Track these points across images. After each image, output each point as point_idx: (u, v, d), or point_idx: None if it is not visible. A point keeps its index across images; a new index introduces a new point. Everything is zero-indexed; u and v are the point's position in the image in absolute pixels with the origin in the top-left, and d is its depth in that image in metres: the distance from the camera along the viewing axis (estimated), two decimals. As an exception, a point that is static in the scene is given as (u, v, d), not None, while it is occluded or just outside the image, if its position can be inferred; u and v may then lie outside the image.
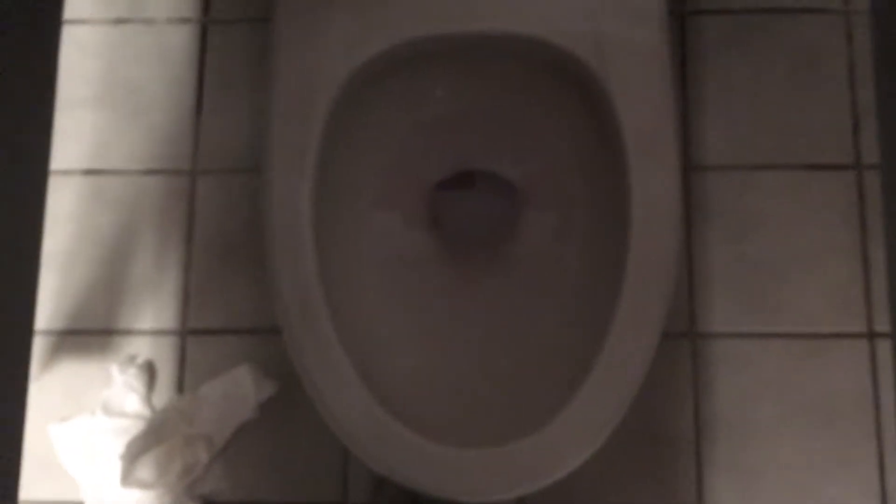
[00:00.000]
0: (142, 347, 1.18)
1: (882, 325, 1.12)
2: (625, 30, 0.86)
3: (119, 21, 1.26)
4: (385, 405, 0.79)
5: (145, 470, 1.10)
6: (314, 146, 0.85)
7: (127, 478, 1.08)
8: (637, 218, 0.83)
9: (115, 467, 1.09)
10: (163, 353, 1.17)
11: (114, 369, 1.15)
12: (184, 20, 1.26)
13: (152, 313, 1.18)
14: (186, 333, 1.18)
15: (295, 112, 0.85)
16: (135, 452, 1.08)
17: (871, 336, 1.12)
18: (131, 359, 1.16)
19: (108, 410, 1.13)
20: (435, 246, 0.96)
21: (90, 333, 1.18)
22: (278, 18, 0.87)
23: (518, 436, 0.76)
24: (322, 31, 0.85)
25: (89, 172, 1.23)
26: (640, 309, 0.80)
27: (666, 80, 0.87)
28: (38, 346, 1.17)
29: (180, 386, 1.16)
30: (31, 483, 1.12)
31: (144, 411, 1.14)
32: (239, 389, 1.13)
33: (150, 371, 1.16)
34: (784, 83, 1.19)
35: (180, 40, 1.26)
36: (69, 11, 1.25)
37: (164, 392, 1.16)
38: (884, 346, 1.12)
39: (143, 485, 1.09)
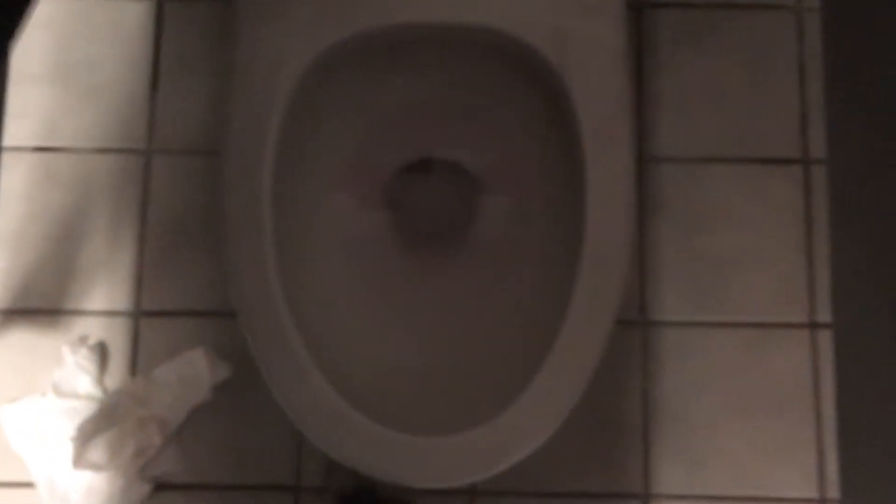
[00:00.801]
0: (94, 328, 1.17)
1: (824, 316, 1.16)
2: (583, 23, 0.87)
3: (73, -4, 1.24)
4: (340, 391, 0.80)
5: (97, 452, 1.09)
6: (274, 130, 0.85)
7: (79, 460, 1.08)
8: (592, 208, 0.84)
9: (67, 449, 1.09)
10: (116, 335, 1.16)
11: (65, 350, 1.14)
12: (140, -4, 1.24)
13: (105, 294, 1.17)
14: (140, 315, 1.17)
15: (255, 96, 0.85)
16: (87, 434, 1.08)
17: (814, 326, 1.16)
18: (83, 339, 1.15)
19: (59, 392, 1.12)
20: (393, 233, 0.97)
21: (41, 313, 1.17)
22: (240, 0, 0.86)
23: (472, 424, 0.77)
24: (284, 16, 0.85)
25: (40, 150, 1.21)
26: (595, 298, 0.81)
27: (622, 74, 0.89)
28: (-13, 325, 1.16)
29: (133, 368, 1.16)
30: (-21, 464, 1.11)
31: (96, 393, 1.13)
32: (193, 372, 1.12)
33: (102, 352, 1.16)
34: (737, 77, 1.21)
35: (136, 17, 1.24)
36: (22, -15, 1.23)
37: (116, 374, 1.16)
38: (825, 336, 1.15)
39: (95, 467, 1.09)
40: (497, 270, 0.94)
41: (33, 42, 1.22)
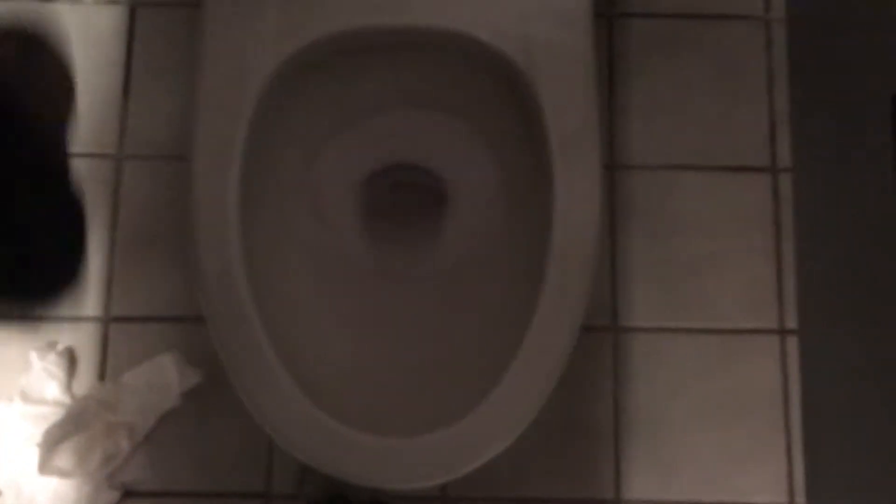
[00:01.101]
0: (63, 335, 1.16)
1: (792, 322, 1.17)
2: (552, 32, 0.87)
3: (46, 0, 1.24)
4: (309, 394, 0.79)
5: (64, 458, 1.08)
6: (241, 135, 0.84)
7: (45, 465, 1.07)
8: (559, 214, 0.84)
9: (33, 455, 1.07)
10: (84, 341, 1.15)
11: (33, 355, 1.12)
12: (112, 2, 1.24)
13: (74, 299, 1.16)
14: (109, 321, 1.16)
15: (222, 100, 0.85)
16: (54, 440, 1.07)
17: (782, 332, 1.17)
18: (51, 345, 1.14)
19: (26, 397, 1.11)
20: (361, 239, 0.97)
21: (7, 319, 1.16)
22: (208, 4, 0.86)
23: (439, 426, 0.77)
24: (252, 20, 0.85)
25: (10, 154, 1.20)
26: (560, 304, 0.82)
27: (591, 82, 0.89)
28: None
29: (102, 374, 1.15)
30: (-57, 471, 1.09)
31: (64, 399, 1.12)
32: (162, 378, 1.12)
33: (70, 358, 1.15)
34: (706, 87, 1.23)
35: (108, 22, 1.24)
36: (-7, -12, 1.22)
37: (84, 380, 1.15)
38: (793, 343, 1.16)
39: (62, 473, 1.07)
40: (465, 275, 0.94)
41: (3, 46, 1.21)
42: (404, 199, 0.98)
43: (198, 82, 0.84)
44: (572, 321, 0.81)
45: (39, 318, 1.16)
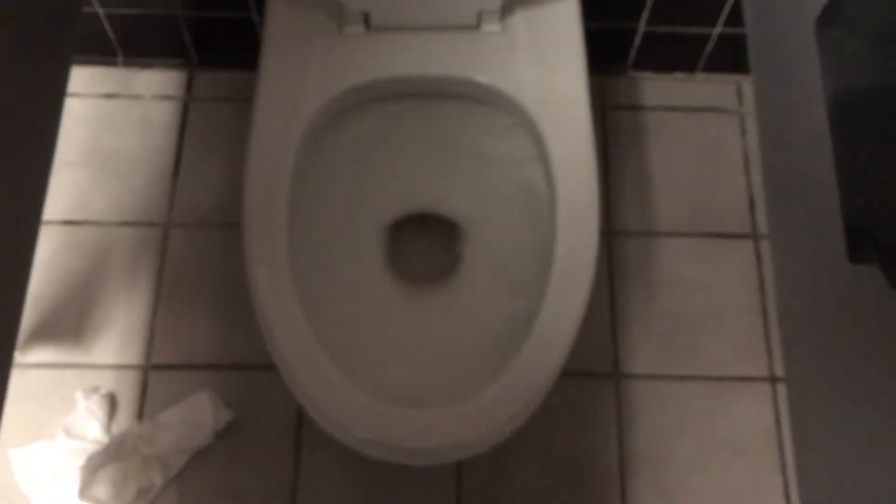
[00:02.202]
0: (106, 381, 1.25)
1: (782, 370, 1.26)
2: (554, 81, 1.02)
3: (109, 96, 1.41)
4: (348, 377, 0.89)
5: (102, 488, 1.14)
6: (289, 165, 0.97)
7: (84, 492, 1.13)
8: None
9: (72, 486, 1.14)
10: (125, 386, 1.24)
11: (78, 395, 1.21)
12: (168, 97, 1.42)
13: (118, 349, 1.26)
14: (149, 368, 1.26)
15: (274, 134, 0.98)
16: (95, 465, 1.13)
17: (773, 380, 1.26)
18: (95, 389, 1.23)
19: (69, 433, 1.19)
20: (388, 273, 1.08)
21: (56, 367, 1.25)
22: (265, 56, 1.02)
23: (455, 400, 0.87)
24: (300, 70, 1.01)
25: (68, 223, 1.34)
26: (566, 289, 0.92)
27: (590, 128, 1.02)
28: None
29: (140, 417, 1.23)
30: (-14, 502, 1.15)
31: (103, 438, 1.19)
32: (197, 415, 1.20)
33: (111, 402, 1.23)
34: (691, 166, 1.38)
35: (163, 114, 1.41)
36: (65, 86, 1.40)
37: (123, 423, 1.22)
38: (784, 389, 1.25)
39: (98, 502, 1.13)
40: (477, 303, 1.05)
41: (71, 133, 1.38)
42: (426, 244, 1.10)
43: (253, 119, 0.99)
44: (576, 312, 0.91)
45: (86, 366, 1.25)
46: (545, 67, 1.03)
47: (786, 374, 0.78)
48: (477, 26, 1.03)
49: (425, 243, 1.12)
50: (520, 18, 1.04)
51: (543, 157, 1.01)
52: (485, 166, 1.09)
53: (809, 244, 0.80)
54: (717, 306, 1.30)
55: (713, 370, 1.27)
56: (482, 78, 1.02)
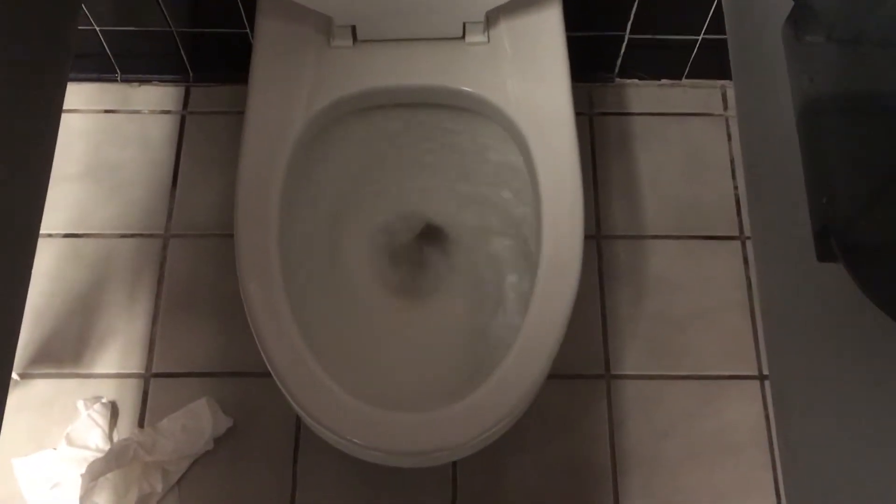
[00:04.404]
0: (107, 390, 1.27)
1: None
2: (538, 90, 1.05)
3: (108, 111, 1.45)
4: (338, 385, 0.91)
5: (103, 494, 1.17)
6: (280, 172, 1.00)
7: (85, 499, 1.15)
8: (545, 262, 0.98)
9: (74, 493, 1.16)
10: (127, 395, 1.27)
11: (80, 404, 1.24)
12: (165, 112, 1.45)
13: (119, 359, 1.29)
14: (150, 377, 1.28)
15: (264, 142, 1.01)
16: (95, 473, 1.16)
17: (762, 378, 1.28)
18: (97, 398, 1.26)
19: (70, 441, 1.22)
20: (379, 285, 1.11)
21: (58, 377, 1.28)
22: (256, 68, 1.05)
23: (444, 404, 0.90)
24: (290, 81, 1.04)
25: (69, 236, 1.37)
26: (554, 290, 0.94)
27: (574, 134, 1.05)
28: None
29: (141, 424, 1.25)
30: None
31: (105, 446, 1.22)
32: (197, 422, 1.22)
33: (113, 411, 1.26)
34: (678, 170, 1.41)
35: (161, 128, 1.44)
36: (65, 103, 1.43)
37: (125, 431, 1.25)
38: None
39: (100, 508, 1.16)
40: (465, 307, 1.08)
41: (70, 148, 1.41)
42: (420, 255, 1.13)
43: (244, 132, 1.01)
44: (563, 311, 0.93)
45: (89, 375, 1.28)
46: (529, 76, 1.05)
47: (769, 372, 0.80)
48: (462, 37, 1.06)
49: (414, 252, 1.15)
50: (504, 29, 1.07)
51: (528, 164, 1.04)
52: (471, 174, 1.12)
53: (787, 244, 0.83)
54: (706, 307, 1.33)
55: (703, 369, 1.29)
56: (468, 87, 1.05)
